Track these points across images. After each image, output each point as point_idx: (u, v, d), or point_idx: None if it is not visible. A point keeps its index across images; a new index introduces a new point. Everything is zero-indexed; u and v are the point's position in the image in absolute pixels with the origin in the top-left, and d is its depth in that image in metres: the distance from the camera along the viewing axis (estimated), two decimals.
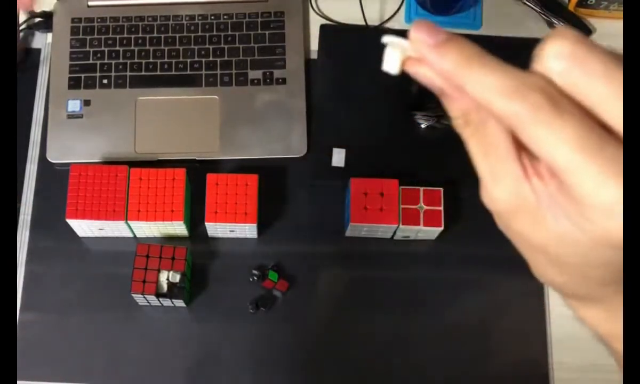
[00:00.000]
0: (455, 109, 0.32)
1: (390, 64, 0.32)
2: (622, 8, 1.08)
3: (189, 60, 1.06)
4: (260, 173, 0.95)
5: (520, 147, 0.31)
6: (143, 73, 1.06)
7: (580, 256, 0.30)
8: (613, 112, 0.28)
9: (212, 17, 1.09)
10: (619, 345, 0.36)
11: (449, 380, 0.96)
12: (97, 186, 0.93)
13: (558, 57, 0.29)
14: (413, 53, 0.32)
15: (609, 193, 0.27)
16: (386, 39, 0.32)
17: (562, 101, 0.28)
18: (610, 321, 0.36)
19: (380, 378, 0.96)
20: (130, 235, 0.98)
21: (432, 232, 0.94)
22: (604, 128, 0.28)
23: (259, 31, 1.08)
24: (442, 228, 0.93)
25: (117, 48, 1.07)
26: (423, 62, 0.32)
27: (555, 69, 0.29)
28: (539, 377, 0.95)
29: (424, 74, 0.32)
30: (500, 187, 0.31)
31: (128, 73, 1.06)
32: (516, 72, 0.29)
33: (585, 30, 1.09)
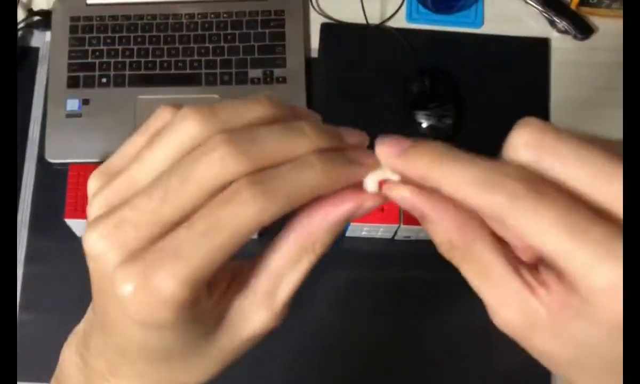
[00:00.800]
0: (439, 233, 0.30)
1: (369, 185, 0.31)
2: None
3: (188, 59, 1.06)
4: None
5: (516, 261, 0.30)
6: (142, 72, 1.05)
7: (606, 358, 0.29)
8: (595, 193, 0.27)
9: (212, 16, 1.08)
10: None
11: (450, 380, 0.96)
12: None
13: (527, 147, 0.28)
14: (387, 173, 0.31)
15: (604, 276, 0.26)
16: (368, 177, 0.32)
17: (541, 185, 0.27)
18: None
19: (379, 378, 0.95)
20: None
21: None
22: (591, 208, 0.27)
23: (259, 30, 1.08)
24: None
25: (116, 47, 1.06)
26: (397, 185, 0.31)
27: (527, 159, 0.28)
28: (540, 377, 0.94)
29: (400, 196, 0.30)
30: (510, 309, 0.30)
31: (127, 72, 1.05)
32: (490, 163, 0.28)
33: (587, 29, 1.09)
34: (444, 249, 0.31)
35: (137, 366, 0.33)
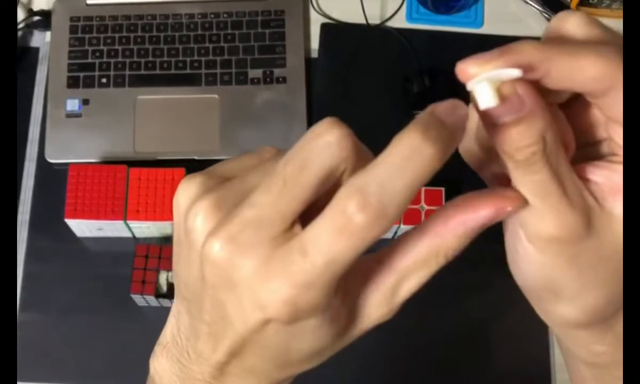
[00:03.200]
0: (533, 133, 0.28)
1: (485, 99, 0.28)
2: None
3: (188, 59, 1.06)
4: None
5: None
6: (142, 72, 1.05)
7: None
8: None
9: (212, 16, 1.08)
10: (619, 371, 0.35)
11: (450, 380, 0.96)
12: (96, 185, 0.93)
13: (587, 24, 0.31)
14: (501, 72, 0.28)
15: None
16: (470, 84, 0.29)
17: None
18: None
19: (378, 378, 0.95)
20: (130, 235, 0.97)
21: None
22: None
23: (259, 30, 1.08)
24: None
25: (116, 47, 1.06)
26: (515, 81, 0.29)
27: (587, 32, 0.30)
28: (541, 377, 0.94)
29: (520, 91, 0.28)
30: (577, 210, 0.29)
31: (127, 72, 1.05)
32: (580, 41, 0.29)
33: None
34: (532, 151, 0.28)
35: (254, 364, 0.32)
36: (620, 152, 0.30)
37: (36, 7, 1.10)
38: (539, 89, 0.28)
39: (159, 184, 0.93)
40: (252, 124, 1.03)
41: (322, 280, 0.27)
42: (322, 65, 1.07)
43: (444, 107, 0.27)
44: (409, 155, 0.26)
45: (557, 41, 0.29)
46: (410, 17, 1.10)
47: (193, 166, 0.99)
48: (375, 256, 0.31)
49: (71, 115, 1.03)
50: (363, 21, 1.09)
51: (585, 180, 0.30)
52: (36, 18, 1.09)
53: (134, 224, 0.93)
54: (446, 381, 0.95)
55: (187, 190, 0.31)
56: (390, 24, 1.10)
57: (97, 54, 1.06)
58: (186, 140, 1.03)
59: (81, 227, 0.95)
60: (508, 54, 0.28)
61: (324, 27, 1.09)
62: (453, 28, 1.10)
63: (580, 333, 0.35)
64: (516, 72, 0.27)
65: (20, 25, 1.09)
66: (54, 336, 0.96)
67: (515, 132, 0.28)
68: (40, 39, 1.09)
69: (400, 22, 1.10)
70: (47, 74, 1.06)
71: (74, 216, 0.92)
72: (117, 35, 1.07)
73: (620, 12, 1.08)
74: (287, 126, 1.03)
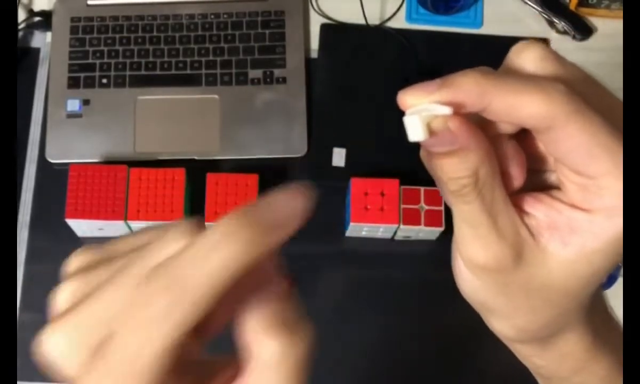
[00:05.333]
0: (467, 166, 0.28)
1: (414, 131, 0.29)
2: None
3: (188, 60, 1.06)
4: (260, 173, 0.94)
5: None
6: (143, 72, 1.05)
7: (585, 273, 0.30)
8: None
9: (212, 16, 1.08)
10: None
11: (450, 380, 0.96)
12: (97, 185, 0.93)
13: (542, 58, 0.29)
14: (430, 107, 0.29)
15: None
16: (406, 116, 0.29)
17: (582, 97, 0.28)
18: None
19: (379, 378, 0.95)
20: None
21: (433, 232, 0.94)
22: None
23: (259, 30, 1.08)
24: (443, 228, 0.93)
25: (117, 47, 1.07)
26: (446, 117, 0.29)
27: (543, 69, 0.29)
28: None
29: (450, 126, 0.28)
30: (506, 239, 0.30)
31: (127, 72, 1.05)
32: (526, 74, 0.29)
33: (586, 29, 1.09)
34: (465, 184, 0.29)
35: None
36: (565, 186, 0.30)
37: (37, 7, 1.10)
38: (483, 120, 0.29)
39: (159, 184, 0.93)
40: (252, 124, 1.03)
41: (136, 378, 0.25)
42: (322, 65, 1.07)
43: (280, 199, 0.27)
44: (214, 244, 0.25)
45: (504, 75, 0.29)
46: (409, 18, 1.10)
47: (193, 166, 0.99)
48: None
49: (72, 115, 1.03)
50: (363, 21, 1.09)
51: (524, 212, 0.30)
52: (37, 19, 1.09)
53: (134, 224, 0.93)
54: (446, 380, 0.95)
55: (68, 264, 0.30)
56: (390, 24, 1.10)
57: (98, 54, 1.06)
58: (186, 140, 1.03)
59: (82, 227, 0.95)
60: (446, 87, 0.28)
61: (324, 27, 1.09)
62: (453, 28, 1.10)
63: (517, 345, 0.36)
64: (446, 110, 0.28)
65: (21, 26, 1.09)
66: None
67: (447, 164, 0.28)
68: (41, 40, 1.09)
69: (400, 22, 1.10)
70: (47, 74, 1.06)
71: (75, 216, 0.92)
72: (117, 35, 1.07)
73: (620, 12, 1.08)
74: (287, 126, 1.03)
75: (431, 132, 0.28)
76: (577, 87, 0.28)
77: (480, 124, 0.29)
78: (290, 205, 0.26)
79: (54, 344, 0.28)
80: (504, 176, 0.30)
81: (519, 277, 0.30)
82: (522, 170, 0.30)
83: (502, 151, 0.30)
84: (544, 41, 1.09)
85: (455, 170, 0.28)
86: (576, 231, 0.29)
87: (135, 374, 0.25)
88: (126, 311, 0.25)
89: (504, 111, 0.28)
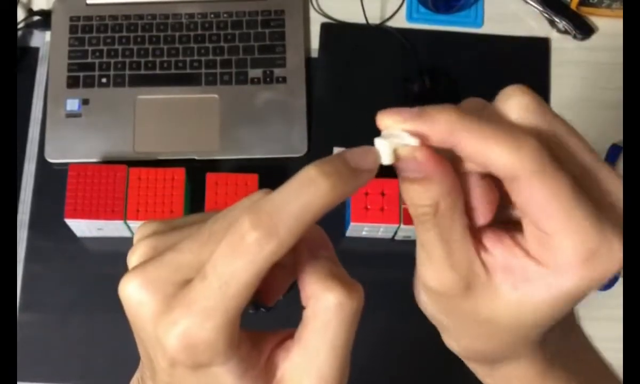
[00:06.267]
0: (430, 195, 0.30)
1: (383, 156, 0.30)
2: None
3: (188, 59, 1.06)
4: (260, 173, 0.94)
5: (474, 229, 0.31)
6: (142, 72, 1.05)
7: (531, 318, 0.30)
8: (588, 163, 0.29)
9: (212, 16, 1.08)
10: None
11: (450, 380, 0.96)
12: (96, 185, 0.93)
13: (527, 109, 0.29)
14: (402, 138, 0.30)
15: (590, 242, 0.28)
16: (376, 139, 0.30)
17: (554, 150, 0.28)
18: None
19: (379, 378, 0.95)
20: (130, 235, 0.97)
21: None
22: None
23: (259, 29, 1.08)
24: None
25: (116, 47, 1.06)
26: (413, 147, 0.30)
27: (526, 121, 0.29)
28: None
29: (416, 156, 0.30)
30: (456, 270, 0.31)
31: (127, 72, 1.05)
32: (506, 123, 0.29)
33: (587, 29, 1.09)
34: (424, 212, 0.30)
35: None
36: (526, 233, 0.30)
37: (36, 7, 1.10)
38: (456, 155, 0.30)
39: (159, 184, 0.93)
40: (252, 124, 1.03)
41: (221, 306, 0.27)
42: (322, 65, 1.07)
43: (355, 151, 0.29)
44: (303, 184, 0.28)
45: (479, 119, 0.29)
46: (410, 17, 1.10)
47: (193, 166, 0.99)
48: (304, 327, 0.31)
49: (71, 115, 1.03)
50: (363, 21, 1.09)
51: (484, 248, 0.31)
52: (36, 18, 1.09)
53: (134, 224, 0.93)
54: (446, 380, 0.95)
55: (137, 232, 0.33)
56: (390, 23, 1.10)
57: (97, 53, 1.06)
58: (186, 140, 1.03)
59: (81, 227, 0.95)
60: (420, 119, 0.29)
61: (324, 27, 1.09)
62: (453, 28, 1.10)
63: (469, 363, 0.38)
64: (413, 142, 0.29)
65: (20, 25, 1.08)
66: (54, 336, 0.96)
67: (411, 189, 0.30)
68: (40, 39, 1.09)
69: (400, 22, 1.10)
70: (47, 74, 1.06)
71: (74, 216, 0.92)
72: (117, 35, 1.07)
73: (620, 12, 1.08)
74: (287, 126, 1.03)
75: (396, 158, 0.30)
76: (555, 141, 0.29)
77: (453, 158, 0.30)
78: (364, 158, 0.29)
79: (132, 290, 0.29)
80: (471, 211, 0.31)
81: (467, 306, 0.31)
82: (491, 207, 0.31)
83: (472, 187, 0.30)
84: (545, 42, 1.09)
85: (417, 197, 0.30)
86: (528, 279, 0.30)
87: (224, 301, 0.27)
88: (213, 251, 0.28)
89: (472, 154, 0.28)
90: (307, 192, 0.27)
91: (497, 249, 0.30)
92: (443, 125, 0.28)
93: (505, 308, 0.30)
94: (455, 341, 0.35)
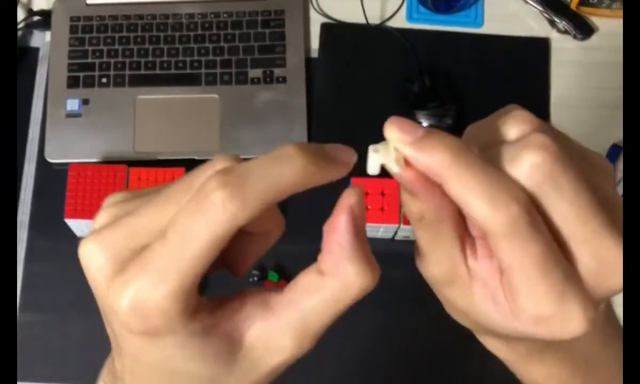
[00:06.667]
0: (417, 209, 0.31)
1: (371, 166, 0.31)
2: None
3: (188, 59, 1.06)
4: None
5: (465, 231, 0.31)
6: (142, 72, 1.05)
7: (496, 328, 0.32)
8: (569, 232, 0.29)
9: (212, 16, 1.08)
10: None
11: (450, 379, 0.96)
12: (96, 185, 0.93)
13: (537, 170, 0.29)
14: (393, 154, 0.30)
15: (547, 309, 0.29)
16: (371, 147, 0.31)
17: (537, 218, 0.28)
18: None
19: (379, 377, 0.95)
20: None
21: None
22: (557, 241, 0.29)
23: (259, 29, 1.08)
24: None
25: (116, 47, 1.06)
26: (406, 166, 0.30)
27: (531, 179, 0.29)
28: None
29: (404, 176, 0.30)
30: (440, 267, 0.32)
31: (127, 72, 1.05)
32: (497, 175, 0.28)
33: (587, 29, 1.09)
34: (413, 218, 0.31)
35: None
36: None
37: (36, 7, 1.10)
38: None
39: (159, 183, 0.93)
40: (252, 124, 1.03)
41: (177, 267, 0.27)
42: (322, 65, 1.07)
43: (336, 146, 0.30)
44: (280, 157, 0.28)
45: (474, 161, 0.29)
46: (410, 17, 1.10)
47: (193, 166, 0.99)
48: (277, 290, 0.31)
49: (71, 115, 1.03)
50: (363, 21, 1.09)
51: (474, 256, 0.32)
52: (36, 18, 1.09)
53: None
54: (446, 380, 0.95)
55: (104, 201, 0.32)
56: (390, 23, 1.10)
57: (97, 53, 1.06)
58: (186, 140, 1.03)
59: (81, 227, 0.95)
60: (423, 145, 0.29)
61: (324, 27, 1.09)
62: (453, 28, 1.10)
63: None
64: (396, 170, 0.30)
65: (20, 25, 1.08)
66: (54, 336, 0.96)
67: (402, 192, 0.31)
68: (40, 39, 1.09)
69: (400, 22, 1.10)
70: (47, 74, 1.06)
71: (74, 216, 0.92)
72: (117, 35, 1.07)
73: (620, 12, 1.08)
74: (287, 126, 1.03)
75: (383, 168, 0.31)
76: (546, 203, 0.29)
77: None
78: (342, 153, 0.30)
79: (89, 253, 0.29)
80: (467, 221, 0.31)
81: (449, 295, 0.34)
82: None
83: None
84: (545, 42, 1.09)
85: (406, 202, 0.31)
86: (495, 303, 0.31)
87: (181, 262, 0.27)
88: (171, 213, 0.28)
89: (454, 197, 0.29)
90: (281, 166, 0.28)
91: (485, 262, 0.31)
92: (434, 163, 0.29)
93: (476, 311, 0.32)
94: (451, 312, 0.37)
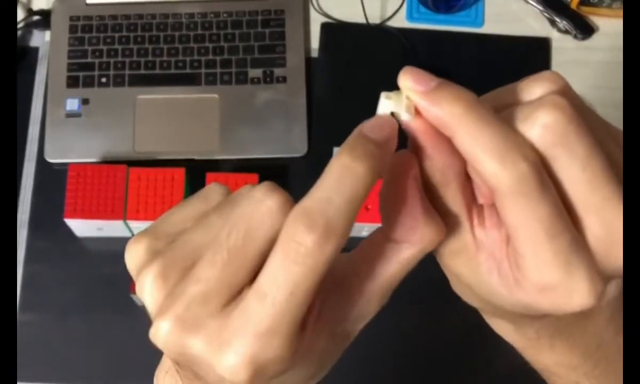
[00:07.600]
0: (423, 165, 0.30)
1: (381, 108, 0.30)
2: None
3: (188, 59, 1.06)
4: (260, 173, 0.94)
5: (472, 199, 0.31)
6: (142, 72, 1.05)
7: (502, 303, 0.31)
8: (579, 198, 0.28)
9: (212, 15, 1.08)
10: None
11: (450, 379, 0.96)
12: (96, 185, 0.93)
13: (549, 130, 0.28)
14: (405, 104, 0.30)
15: (552, 277, 0.28)
16: (384, 93, 0.30)
17: (546, 179, 0.28)
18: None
19: (378, 377, 0.95)
20: (129, 235, 0.97)
21: None
22: (566, 208, 0.28)
23: (259, 29, 1.07)
24: None
25: (116, 46, 1.06)
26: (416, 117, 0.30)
27: (543, 139, 0.28)
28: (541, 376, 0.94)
29: (414, 127, 0.30)
30: (442, 229, 0.31)
31: (127, 72, 1.05)
32: (509, 132, 0.28)
33: (588, 28, 1.09)
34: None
35: None
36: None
37: (36, 6, 1.10)
38: None
39: (158, 184, 0.93)
40: (252, 124, 1.03)
41: (287, 319, 0.27)
42: (322, 65, 1.07)
43: (370, 125, 0.29)
44: (341, 174, 0.27)
45: (488, 118, 0.28)
46: (410, 17, 1.10)
47: (193, 166, 0.99)
48: (350, 270, 0.31)
49: (71, 115, 1.03)
50: (363, 21, 1.09)
51: (483, 225, 0.31)
52: (36, 18, 1.09)
53: (133, 224, 0.93)
54: (447, 380, 0.95)
55: (133, 256, 0.31)
56: (390, 23, 1.10)
57: (97, 53, 1.06)
58: (186, 140, 1.03)
59: (81, 227, 0.95)
60: (435, 95, 0.29)
61: (324, 26, 1.09)
62: (453, 28, 1.10)
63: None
64: (406, 117, 0.29)
65: (20, 25, 1.08)
66: (54, 336, 0.96)
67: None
68: (40, 39, 1.09)
69: (400, 21, 1.10)
70: (46, 73, 1.06)
71: (74, 216, 0.92)
72: (116, 34, 1.07)
73: (620, 12, 1.08)
74: (287, 126, 1.03)
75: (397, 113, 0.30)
76: (558, 165, 0.28)
77: None
78: (383, 128, 0.29)
79: (171, 337, 0.29)
80: (475, 187, 0.31)
81: (456, 264, 0.32)
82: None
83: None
84: (545, 41, 1.09)
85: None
86: (500, 275, 0.30)
87: (291, 312, 0.27)
88: (240, 266, 0.28)
89: (462, 152, 0.28)
90: (348, 182, 0.27)
91: (492, 232, 0.30)
92: (445, 114, 0.28)
93: (481, 285, 0.31)
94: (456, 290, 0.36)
